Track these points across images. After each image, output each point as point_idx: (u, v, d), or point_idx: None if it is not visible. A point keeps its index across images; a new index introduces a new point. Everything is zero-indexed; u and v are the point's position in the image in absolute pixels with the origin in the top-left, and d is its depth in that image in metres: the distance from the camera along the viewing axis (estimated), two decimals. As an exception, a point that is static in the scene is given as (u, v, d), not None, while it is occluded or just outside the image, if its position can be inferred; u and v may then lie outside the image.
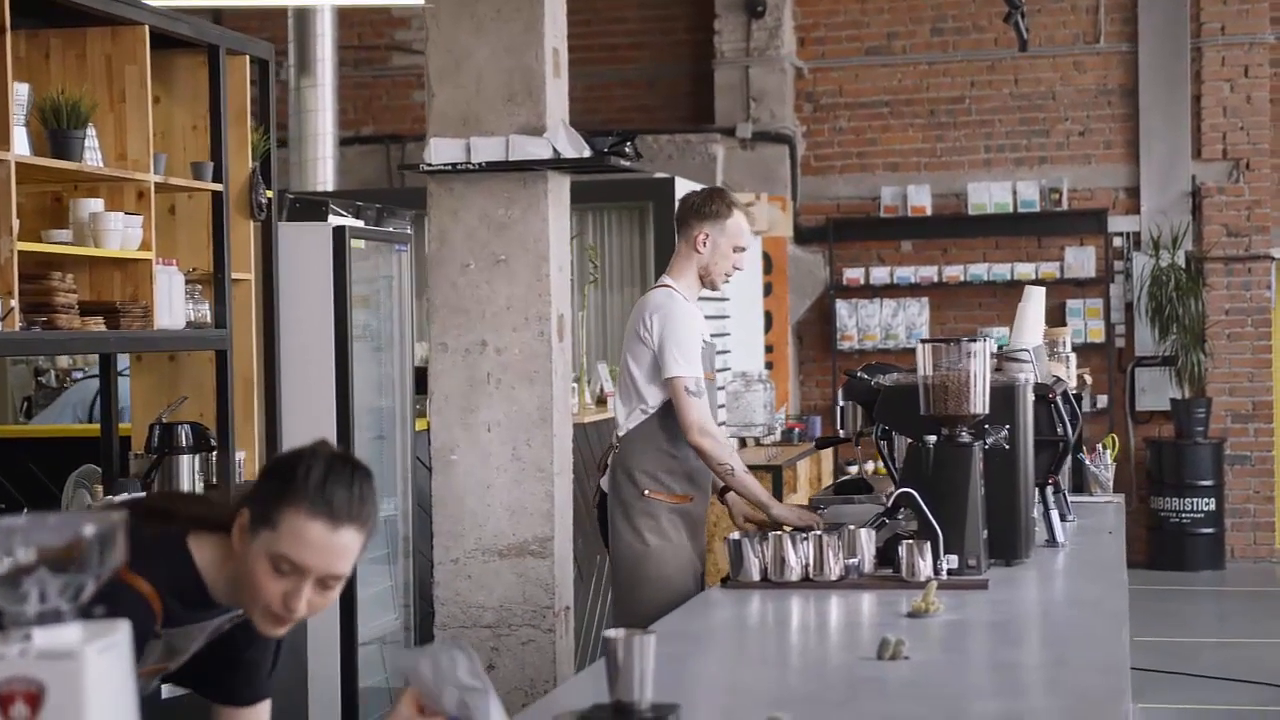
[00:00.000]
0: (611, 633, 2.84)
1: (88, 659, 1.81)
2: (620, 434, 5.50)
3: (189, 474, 5.64)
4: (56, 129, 5.08)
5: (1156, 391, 12.95)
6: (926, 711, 3.12)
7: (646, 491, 5.40)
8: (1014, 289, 11.79)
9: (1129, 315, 13.04)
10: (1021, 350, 5.42)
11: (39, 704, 1.80)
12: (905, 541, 4.38)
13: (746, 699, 3.27)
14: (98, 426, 6.21)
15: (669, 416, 5.33)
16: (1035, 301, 5.80)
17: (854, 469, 10.85)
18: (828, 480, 10.71)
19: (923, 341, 4.62)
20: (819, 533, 4.47)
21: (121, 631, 1.87)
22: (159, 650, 2.80)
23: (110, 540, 1.86)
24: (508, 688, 5.62)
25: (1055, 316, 12.68)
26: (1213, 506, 12.61)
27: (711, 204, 5.48)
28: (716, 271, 5.46)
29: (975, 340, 4.58)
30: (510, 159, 5.74)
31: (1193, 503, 12.58)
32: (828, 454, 11.48)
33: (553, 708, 3.00)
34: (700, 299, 5.52)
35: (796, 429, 11.29)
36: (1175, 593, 11.91)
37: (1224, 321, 12.94)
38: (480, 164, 5.75)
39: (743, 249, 5.49)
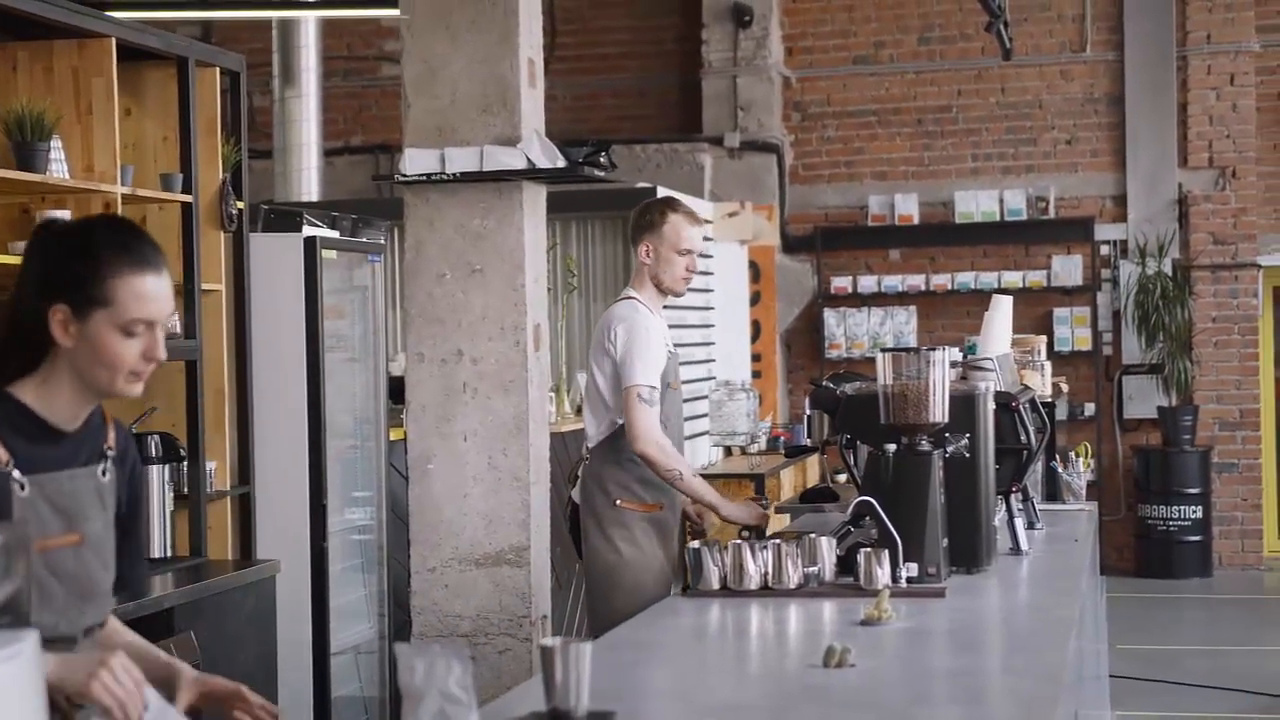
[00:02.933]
0: (547, 641, 2.87)
1: (-11, 669, 1.83)
2: (590, 445, 5.54)
3: (159, 484, 5.65)
4: (21, 141, 5.10)
5: (1144, 399, 12.94)
6: (864, 719, 3.13)
7: (618, 501, 5.45)
8: (1000, 297, 11.77)
9: (1116, 323, 13.05)
10: (985, 359, 5.43)
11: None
12: (864, 550, 4.39)
13: (688, 707, 3.28)
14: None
15: (637, 427, 5.37)
16: (1002, 310, 5.82)
17: (842, 478, 10.84)
18: (814, 489, 10.70)
19: (883, 350, 4.63)
20: (778, 541, 4.48)
21: (28, 641, 1.89)
22: (47, 510, 2.80)
23: (15, 551, 1.88)
24: (484, 697, 5.61)
25: (1042, 324, 12.72)
26: (1200, 514, 12.61)
27: (646, 215, 5.54)
28: (668, 279, 5.50)
29: (935, 349, 4.59)
30: (484, 169, 5.75)
31: (1180, 510, 12.58)
32: (814, 462, 11.48)
33: (493, 717, 3.02)
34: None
35: (783, 438, 11.28)
36: (1162, 600, 11.91)
37: (1211, 329, 12.94)
38: (455, 174, 5.76)
39: (688, 251, 5.51)
